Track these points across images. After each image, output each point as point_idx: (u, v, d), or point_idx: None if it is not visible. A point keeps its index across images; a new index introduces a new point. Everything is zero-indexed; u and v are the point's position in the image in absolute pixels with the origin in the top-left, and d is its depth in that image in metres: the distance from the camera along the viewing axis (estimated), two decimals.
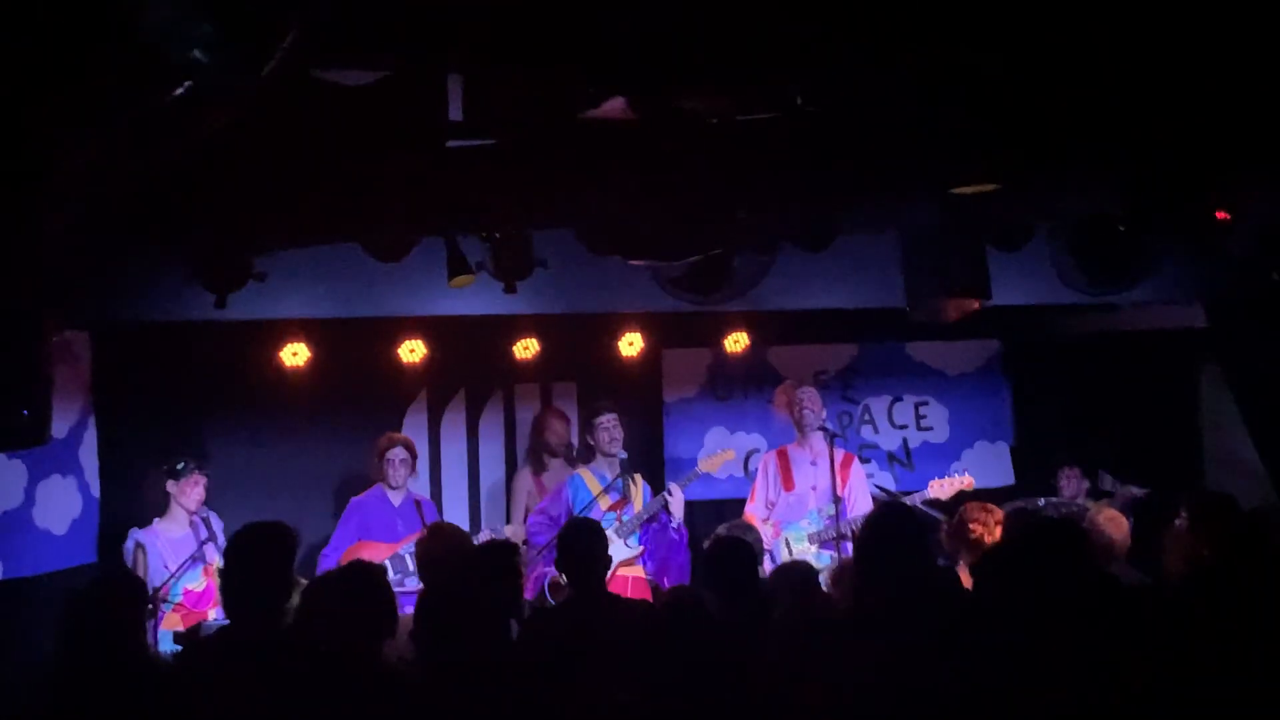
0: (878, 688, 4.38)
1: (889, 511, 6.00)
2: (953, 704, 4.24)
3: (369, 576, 5.22)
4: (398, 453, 8.93)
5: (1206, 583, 4.84)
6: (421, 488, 10.12)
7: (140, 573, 7.99)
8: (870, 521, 5.87)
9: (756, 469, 9.45)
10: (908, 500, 8.83)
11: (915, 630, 4.66)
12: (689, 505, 9.07)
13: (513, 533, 9.09)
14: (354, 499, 8.94)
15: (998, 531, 6.97)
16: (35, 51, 3.46)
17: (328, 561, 8.35)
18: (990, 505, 7.29)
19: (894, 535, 5.52)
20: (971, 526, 6.93)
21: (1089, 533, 6.20)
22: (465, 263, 7.23)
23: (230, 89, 3.66)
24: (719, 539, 6.99)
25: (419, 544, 6.91)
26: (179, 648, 7.34)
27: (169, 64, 3.35)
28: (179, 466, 8.25)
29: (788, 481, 9.05)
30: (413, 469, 9.08)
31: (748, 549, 6.30)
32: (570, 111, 5.56)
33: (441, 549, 6.56)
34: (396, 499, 8.93)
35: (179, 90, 3.45)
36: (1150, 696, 3.94)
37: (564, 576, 6.35)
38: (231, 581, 5.23)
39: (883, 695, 4.34)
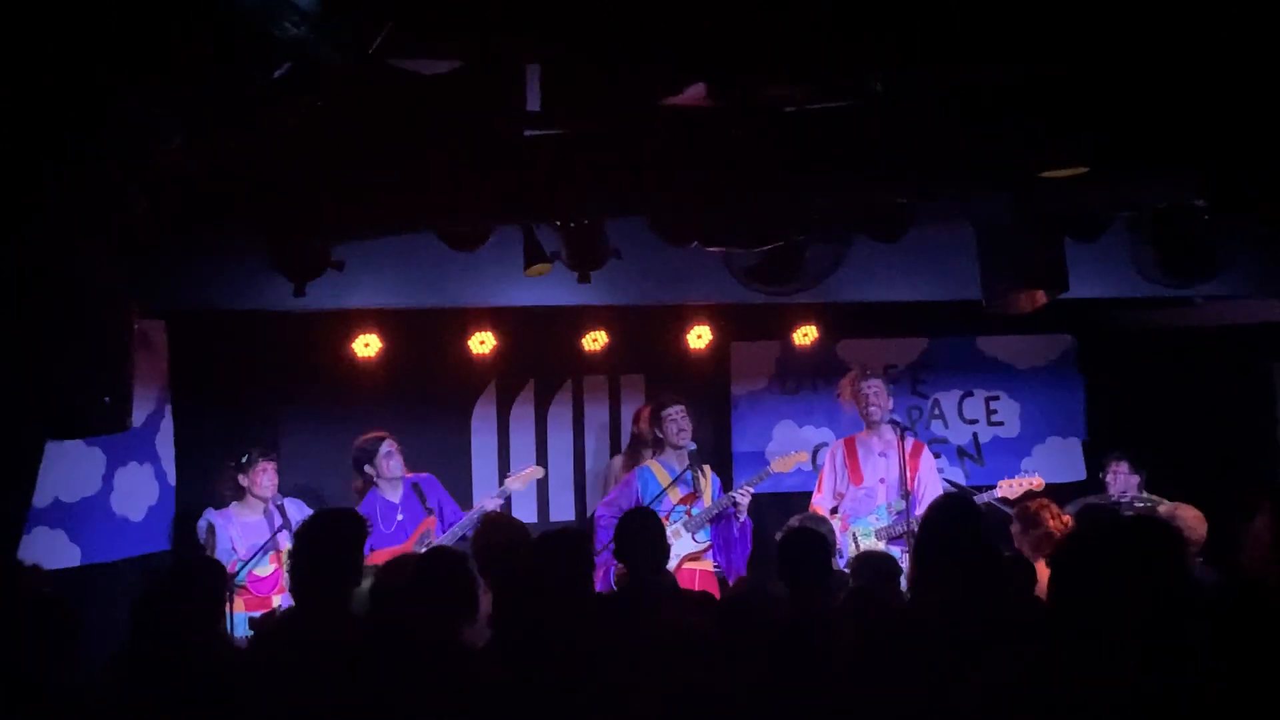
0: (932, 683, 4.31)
1: (947, 503, 5.97)
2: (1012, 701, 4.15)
3: (449, 562, 5.27)
4: (388, 445, 8.72)
5: None
6: (491, 480, 10.16)
7: (208, 552, 8.19)
8: (928, 514, 5.86)
9: (824, 460, 9.40)
10: (977, 498, 8.78)
11: (973, 625, 4.61)
12: (755, 498, 9.07)
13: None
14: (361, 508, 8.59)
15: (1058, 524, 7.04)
16: (131, 29, 3.47)
17: None
18: (1046, 500, 7.36)
19: (952, 527, 5.50)
20: (1046, 518, 6.97)
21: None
22: (542, 251, 7.25)
23: (329, 69, 3.66)
24: (792, 530, 6.95)
25: (474, 538, 6.96)
26: (252, 633, 7.45)
27: (267, 43, 3.36)
28: (244, 460, 8.41)
29: (855, 474, 8.99)
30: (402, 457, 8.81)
31: (821, 540, 6.29)
32: (649, 99, 5.55)
33: (499, 539, 6.60)
34: (396, 494, 8.74)
35: (279, 72, 3.45)
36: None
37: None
38: (301, 566, 5.28)
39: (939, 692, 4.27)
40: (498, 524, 7.20)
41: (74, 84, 3.77)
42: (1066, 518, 7.57)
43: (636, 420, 9.81)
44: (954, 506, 5.73)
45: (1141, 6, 5.16)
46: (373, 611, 5.38)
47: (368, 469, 8.72)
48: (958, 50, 5.30)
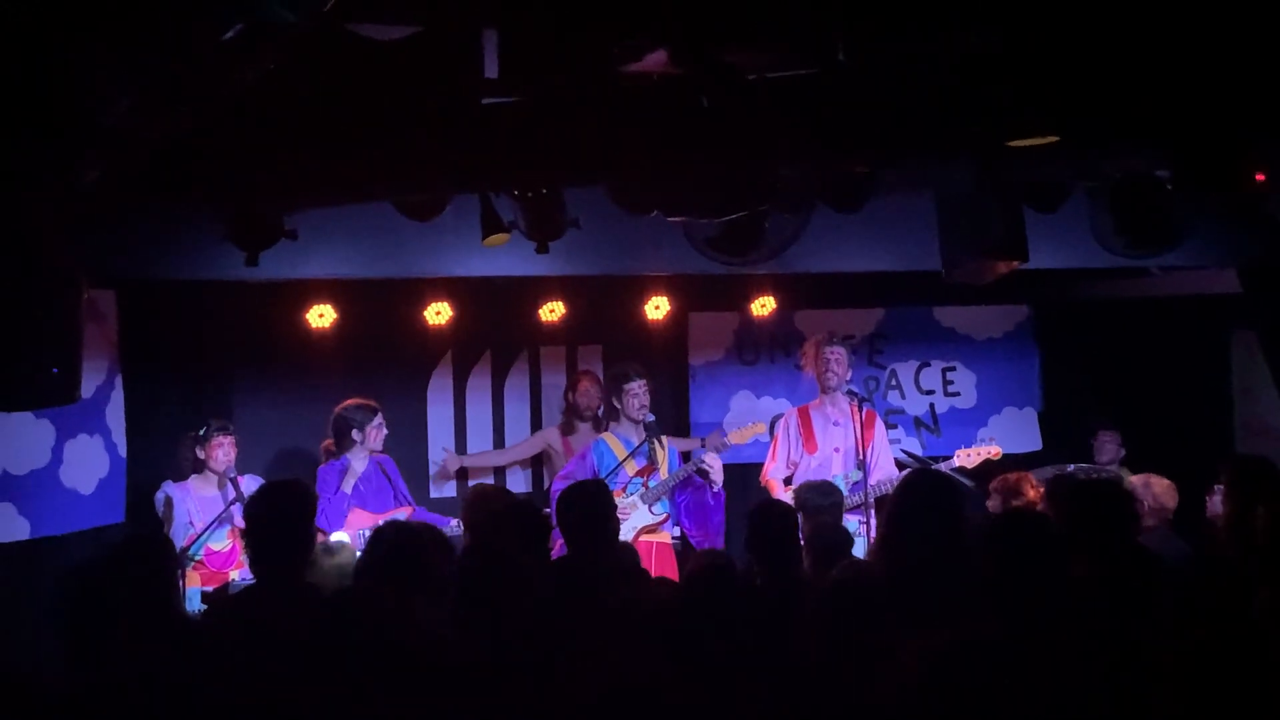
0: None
1: (922, 479, 5.93)
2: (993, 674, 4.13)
3: (411, 535, 5.23)
4: (381, 418, 8.65)
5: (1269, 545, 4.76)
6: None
7: (166, 526, 8.15)
8: (903, 488, 5.82)
9: (778, 429, 9.33)
10: (935, 468, 8.76)
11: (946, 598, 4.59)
12: None
13: None
14: (326, 468, 8.62)
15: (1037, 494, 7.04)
16: None
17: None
18: (1025, 472, 7.36)
19: (926, 501, 5.47)
20: (1026, 488, 7.01)
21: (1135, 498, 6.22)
22: (500, 221, 7.17)
23: (282, 31, 3.56)
24: (760, 505, 6.87)
25: (465, 506, 6.92)
26: (204, 606, 7.40)
27: (219, 2, 3.25)
28: (202, 432, 8.33)
29: (810, 442, 8.93)
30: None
31: (787, 512, 6.24)
32: (609, 66, 5.47)
33: (490, 511, 6.56)
34: (364, 465, 8.64)
35: (229, 34, 3.35)
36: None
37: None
38: (253, 539, 5.26)
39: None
40: (487, 495, 7.14)
41: (19, 44, 3.66)
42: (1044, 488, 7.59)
43: (572, 391, 9.76)
44: (936, 485, 5.68)
45: None
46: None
47: (355, 434, 8.57)
48: (923, 18, 5.25)
